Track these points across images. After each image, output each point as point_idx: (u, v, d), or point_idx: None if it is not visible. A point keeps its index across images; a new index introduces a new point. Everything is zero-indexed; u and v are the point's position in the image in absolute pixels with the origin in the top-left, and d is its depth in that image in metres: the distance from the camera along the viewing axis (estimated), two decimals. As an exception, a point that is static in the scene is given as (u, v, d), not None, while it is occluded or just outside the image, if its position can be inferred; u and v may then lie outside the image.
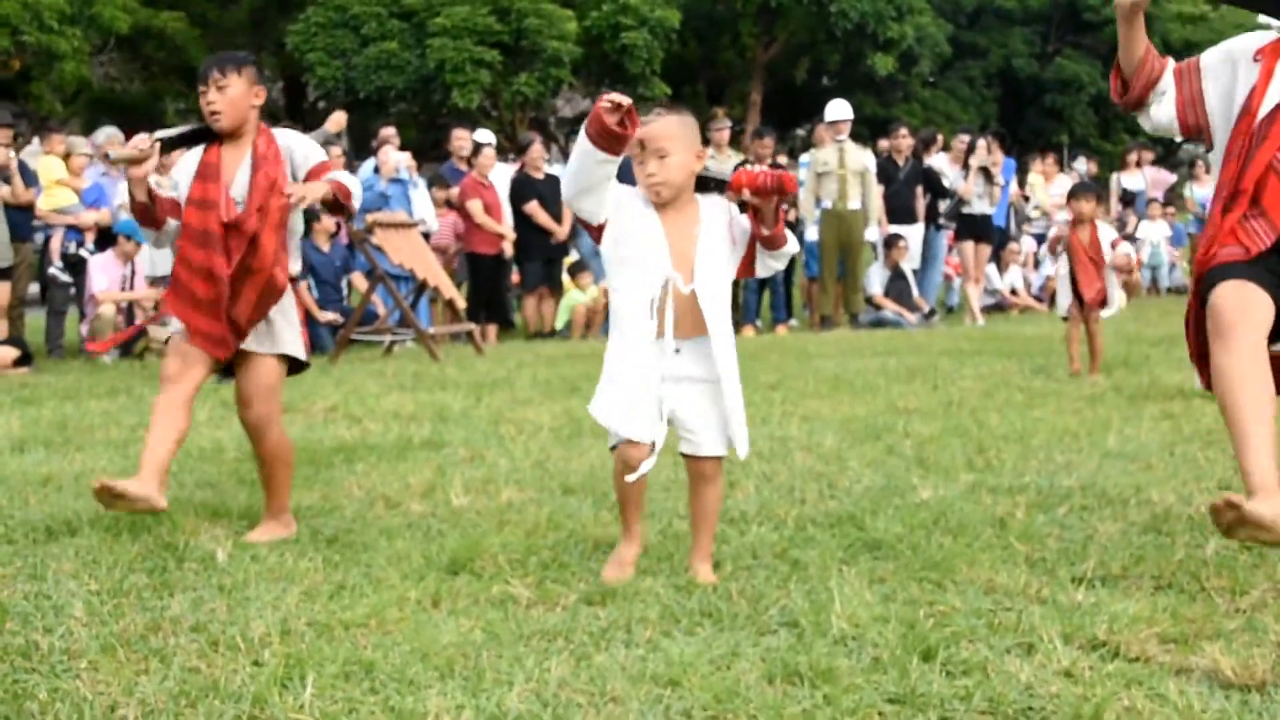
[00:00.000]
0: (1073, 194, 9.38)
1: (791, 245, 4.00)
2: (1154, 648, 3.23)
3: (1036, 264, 18.88)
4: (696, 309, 3.87)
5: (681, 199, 3.92)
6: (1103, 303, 9.18)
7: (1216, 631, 3.32)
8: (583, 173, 3.79)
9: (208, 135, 4.79)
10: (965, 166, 16.06)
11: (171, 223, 4.74)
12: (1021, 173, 22.42)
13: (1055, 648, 3.21)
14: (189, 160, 4.78)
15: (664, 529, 4.62)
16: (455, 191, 14.12)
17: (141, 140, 4.60)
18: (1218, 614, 3.47)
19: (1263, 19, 4.31)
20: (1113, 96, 4.27)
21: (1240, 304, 3.69)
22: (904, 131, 15.91)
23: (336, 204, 4.70)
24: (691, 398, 3.92)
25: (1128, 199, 19.88)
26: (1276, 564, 3.91)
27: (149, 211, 4.69)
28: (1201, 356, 3.88)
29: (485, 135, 15.15)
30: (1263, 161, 3.79)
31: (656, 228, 3.90)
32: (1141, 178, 20.20)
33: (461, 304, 13.19)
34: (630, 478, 3.91)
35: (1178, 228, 20.31)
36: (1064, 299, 9.28)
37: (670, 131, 3.87)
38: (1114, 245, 9.27)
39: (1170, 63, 4.15)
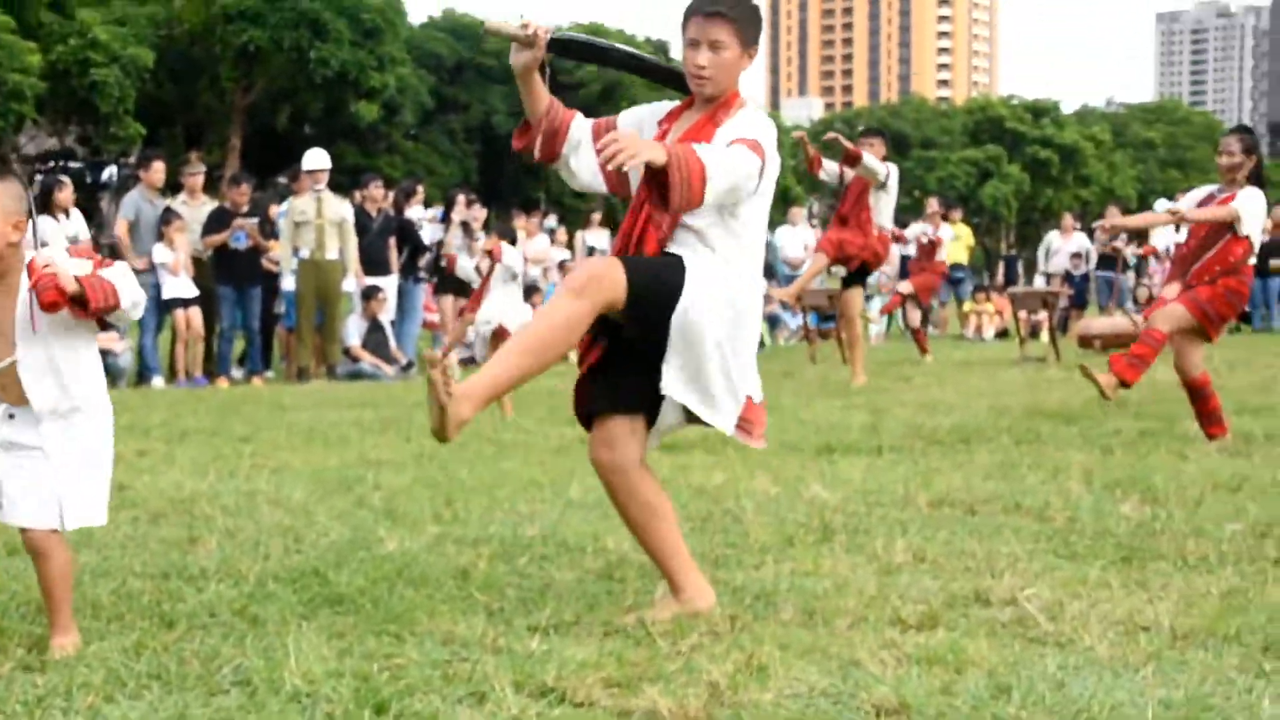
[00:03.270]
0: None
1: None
2: (599, 692, 3.35)
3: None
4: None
5: (6, 267, 3.66)
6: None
7: (658, 674, 3.49)
8: None
9: None
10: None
11: None
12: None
13: (506, 695, 3.29)
14: None
15: (117, 588, 4.42)
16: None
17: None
18: (660, 657, 3.65)
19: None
20: (514, 145, 4.30)
21: None
22: (377, 182, 16.04)
23: None
24: (15, 465, 3.71)
25: None
26: (714, 609, 4.14)
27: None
28: None
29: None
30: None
31: None
32: None
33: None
34: None
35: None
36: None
37: None
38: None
39: (578, 115, 4.26)
